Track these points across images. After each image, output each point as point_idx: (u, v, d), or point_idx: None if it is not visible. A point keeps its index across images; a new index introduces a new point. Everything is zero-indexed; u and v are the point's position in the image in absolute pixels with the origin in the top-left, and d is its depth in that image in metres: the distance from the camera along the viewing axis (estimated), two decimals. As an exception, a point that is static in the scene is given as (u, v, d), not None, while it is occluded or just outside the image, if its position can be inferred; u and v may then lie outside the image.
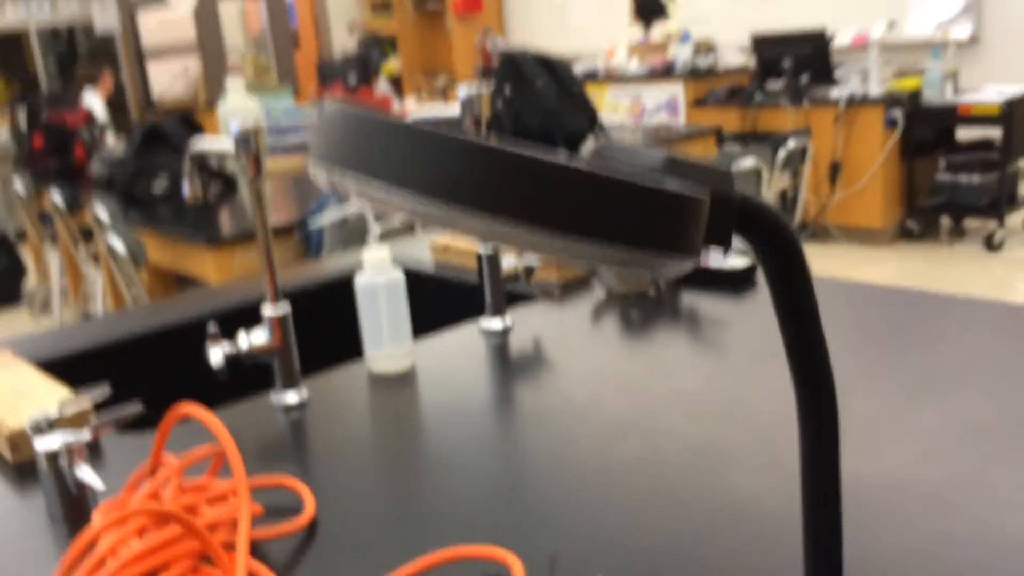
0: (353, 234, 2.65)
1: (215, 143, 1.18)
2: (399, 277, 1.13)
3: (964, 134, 5.14)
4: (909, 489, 0.75)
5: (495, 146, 0.31)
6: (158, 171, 3.40)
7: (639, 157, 0.38)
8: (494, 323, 1.26)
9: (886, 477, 0.77)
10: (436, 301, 1.60)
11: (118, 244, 2.92)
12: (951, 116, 4.73)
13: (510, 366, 1.13)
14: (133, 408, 0.88)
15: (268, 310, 1.06)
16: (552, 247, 0.31)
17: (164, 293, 3.35)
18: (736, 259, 1.37)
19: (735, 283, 1.34)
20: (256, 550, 0.75)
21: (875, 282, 1.29)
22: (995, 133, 4.72)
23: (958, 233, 5.02)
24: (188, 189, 1.24)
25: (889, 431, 0.85)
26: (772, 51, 5.18)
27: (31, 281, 5.45)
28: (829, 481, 0.50)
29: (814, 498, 0.51)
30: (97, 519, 0.76)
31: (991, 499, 0.73)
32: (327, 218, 1.52)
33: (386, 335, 1.13)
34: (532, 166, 0.31)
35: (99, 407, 0.99)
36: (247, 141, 1.04)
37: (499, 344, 1.20)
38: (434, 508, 0.80)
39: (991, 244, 4.61)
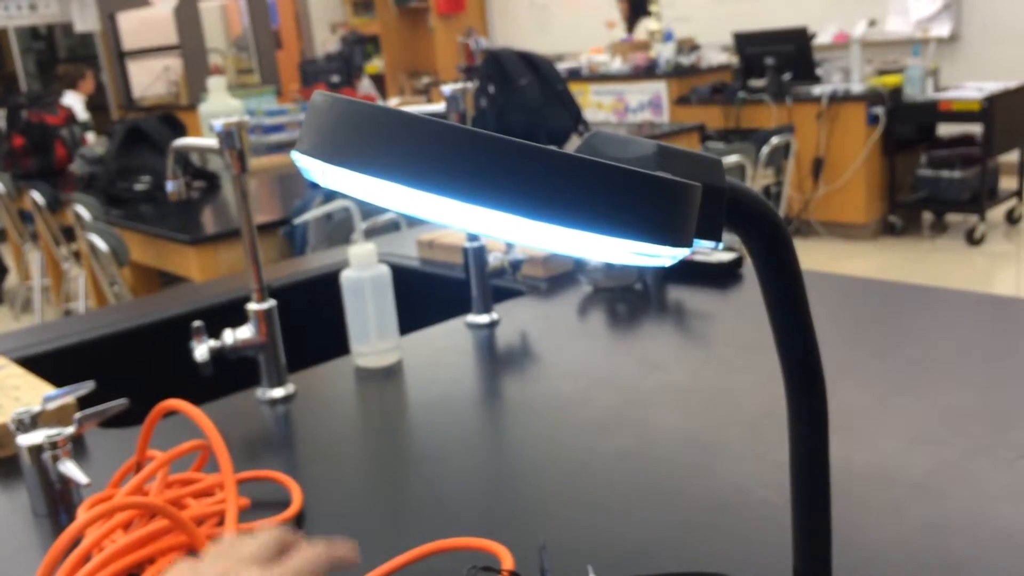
0: (338, 231, 2.64)
1: (200, 140, 1.17)
2: (385, 271, 1.13)
3: (945, 130, 5.17)
4: (897, 478, 0.76)
5: (487, 134, 0.30)
6: (140, 170, 3.38)
7: (629, 147, 0.37)
8: (481, 317, 1.26)
9: (874, 466, 0.78)
10: (422, 297, 1.59)
11: (100, 242, 2.90)
12: (932, 112, 4.75)
13: (497, 360, 1.13)
14: (118, 404, 0.87)
15: (254, 304, 1.06)
16: (544, 236, 0.31)
17: (147, 292, 3.32)
18: (721, 252, 1.37)
19: (720, 276, 1.34)
20: (243, 544, 0.75)
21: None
22: (976, 129, 4.75)
23: (940, 228, 5.05)
24: (172, 186, 1.23)
25: (876, 420, 0.86)
26: (754, 49, 5.20)
27: (12, 280, 5.40)
28: (818, 468, 0.50)
29: (803, 486, 0.51)
30: (82, 513, 0.75)
31: (979, 489, 0.73)
32: (312, 214, 1.51)
33: (372, 330, 1.13)
34: (524, 154, 0.31)
35: (84, 403, 0.98)
36: (231, 137, 1.04)
37: (486, 338, 1.20)
38: (422, 502, 0.80)
39: (972, 238, 4.65)
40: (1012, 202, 4.97)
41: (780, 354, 0.48)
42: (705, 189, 0.36)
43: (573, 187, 0.30)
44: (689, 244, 0.33)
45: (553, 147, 0.31)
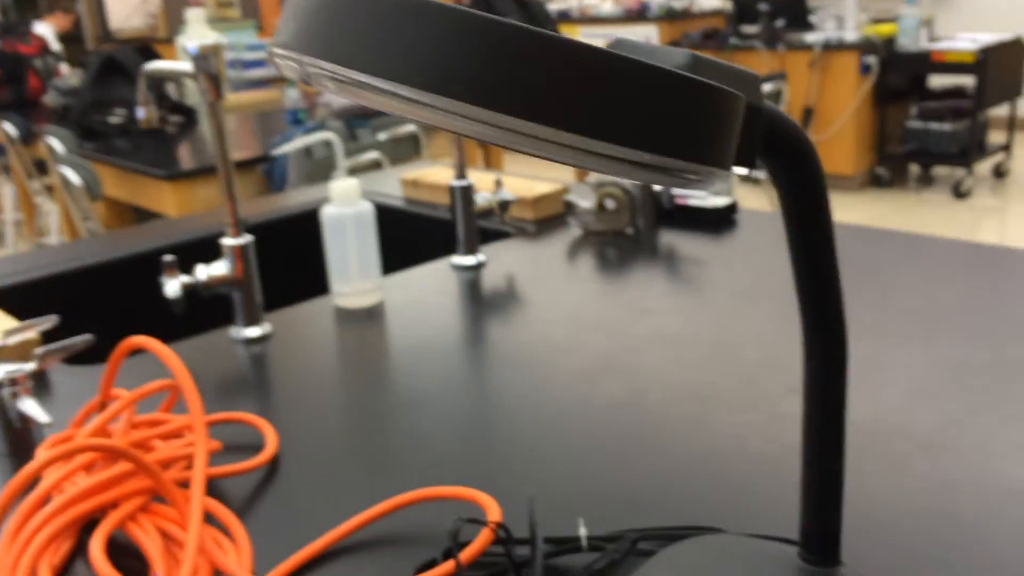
0: (318, 169, 2.57)
1: (173, 64, 1.10)
2: (368, 208, 1.08)
3: (937, 82, 5.12)
4: (900, 433, 0.72)
5: (502, 21, 0.25)
6: (115, 102, 3.28)
7: (658, 55, 0.32)
8: (466, 259, 1.21)
9: (878, 420, 0.74)
10: (405, 237, 1.54)
11: (73, 176, 2.82)
12: (925, 63, 4.70)
13: (483, 303, 1.08)
14: (82, 339, 0.82)
15: (229, 239, 1.01)
16: (566, 150, 0.26)
17: (121, 227, 3.25)
18: (715, 197, 1.32)
19: (715, 222, 1.30)
20: (213, 488, 0.71)
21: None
22: (968, 81, 4.70)
23: (926, 180, 5.02)
24: (143, 112, 1.16)
25: (878, 373, 0.82)
26: (748, -6, 5.10)
27: (-16, 215, 5.29)
28: (834, 421, 0.46)
29: (817, 439, 0.47)
30: (41, 454, 0.71)
31: (984, 444, 0.70)
32: (292, 145, 1.45)
33: (354, 269, 1.08)
34: (547, 46, 0.26)
35: (47, 338, 0.93)
36: (207, 61, 0.98)
37: (471, 280, 1.16)
38: (403, 449, 0.76)
39: (959, 192, 4.62)
40: (1000, 156, 4.95)
41: (801, 299, 0.44)
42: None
43: (603, 88, 0.25)
44: (728, 165, 0.29)
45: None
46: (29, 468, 0.60)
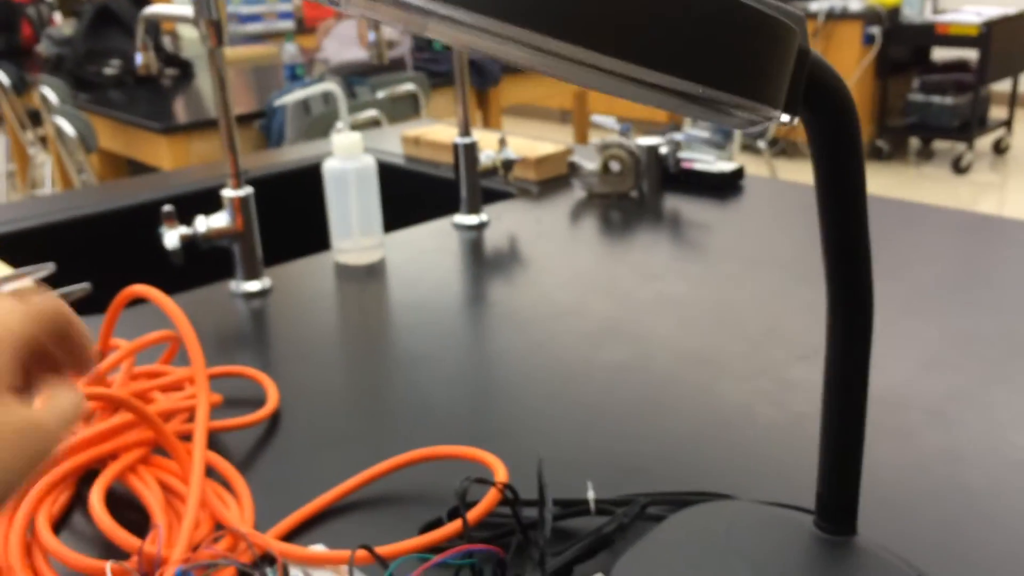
0: (316, 126, 2.54)
1: (173, 7, 1.08)
2: (370, 163, 1.06)
3: (940, 55, 5.08)
4: (911, 403, 0.72)
5: None
6: (110, 52, 3.23)
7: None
8: (469, 218, 1.19)
9: (888, 390, 0.74)
10: (406, 196, 1.52)
11: (67, 127, 2.78)
12: (928, 35, 4.65)
13: (486, 263, 1.07)
14: (80, 287, 0.81)
15: (229, 191, 0.99)
16: (620, 80, 0.24)
17: (116, 180, 3.22)
18: (722, 162, 1.31)
19: (721, 187, 1.29)
20: (214, 442, 0.70)
21: (865, 191, 1.24)
22: (971, 55, 4.66)
23: (926, 154, 5.00)
24: (140, 58, 1.14)
25: (887, 343, 0.81)
26: (753, -41, 5.04)
27: (-24, 165, 5.23)
28: (858, 374, 0.45)
29: (838, 407, 0.46)
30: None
31: (994, 416, 0.69)
32: (292, 97, 1.42)
33: (355, 225, 1.06)
34: None
35: (44, 287, 0.92)
36: (207, 6, 0.95)
37: (474, 240, 1.14)
38: (405, 407, 0.75)
39: (959, 167, 4.61)
40: (1001, 132, 4.92)
41: (828, 260, 0.43)
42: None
43: (662, 13, 0.24)
44: (779, 105, 0.27)
45: None
46: (27, 417, 0.59)
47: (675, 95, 0.25)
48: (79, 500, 0.63)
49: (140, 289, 0.69)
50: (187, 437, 0.67)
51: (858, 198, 0.39)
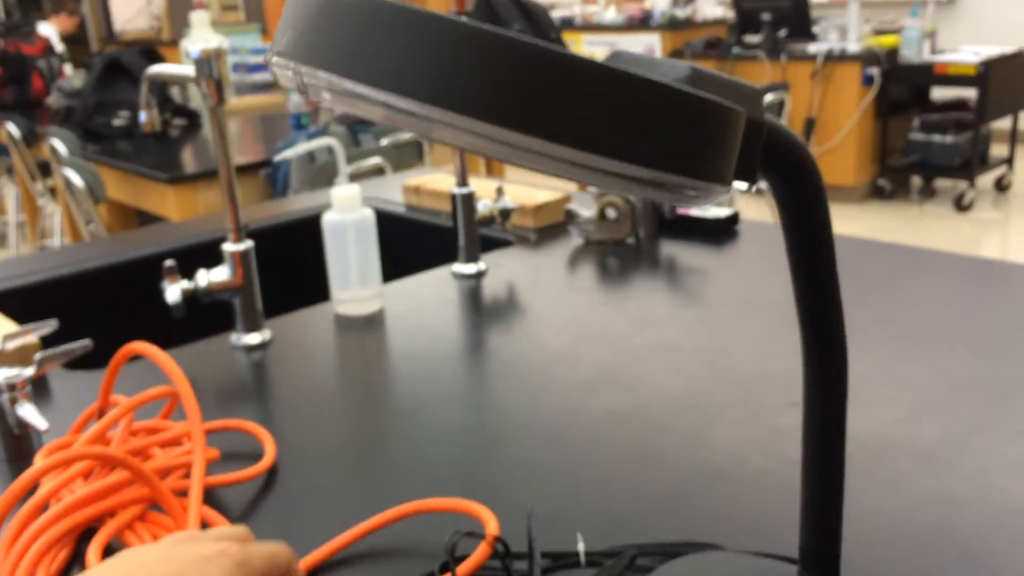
0: (321, 174, 2.57)
1: (176, 67, 1.10)
2: (369, 215, 1.08)
3: (939, 94, 5.12)
4: (901, 448, 0.72)
5: (498, 32, 0.25)
6: (118, 105, 3.29)
7: (659, 68, 0.32)
8: (467, 267, 1.21)
9: (877, 435, 0.74)
10: (407, 244, 1.54)
11: (76, 178, 2.82)
12: (927, 75, 4.70)
13: (483, 312, 1.08)
14: (81, 345, 0.82)
15: (230, 245, 1.01)
16: (566, 164, 0.26)
17: (124, 230, 3.25)
18: (717, 208, 1.32)
19: (716, 233, 1.30)
20: (211, 497, 0.71)
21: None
22: (970, 94, 4.70)
23: (928, 193, 5.02)
24: (144, 116, 1.16)
25: (878, 387, 0.82)
26: (751, 3, 5.11)
27: (-13, 216, 5.29)
28: (833, 442, 0.46)
29: (816, 462, 0.47)
30: (39, 460, 0.71)
31: (986, 462, 0.70)
32: (294, 151, 1.45)
33: (354, 276, 1.08)
34: (544, 59, 0.25)
35: (47, 343, 0.93)
36: (209, 65, 0.98)
37: (472, 288, 1.16)
38: (401, 459, 0.76)
39: (961, 205, 4.62)
40: (1002, 169, 4.95)
41: (800, 314, 0.44)
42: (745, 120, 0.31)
43: (602, 102, 0.25)
44: (728, 182, 0.29)
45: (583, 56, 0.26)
46: (27, 475, 0.60)
47: (618, 178, 0.26)
48: (78, 558, 0.64)
49: (139, 346, 0.71)
50: (184, 493, 0.68)
51: (824, 252, 0.41)
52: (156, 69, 1.09)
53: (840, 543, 0.49)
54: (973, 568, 0.58)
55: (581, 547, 0.58)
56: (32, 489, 0.70)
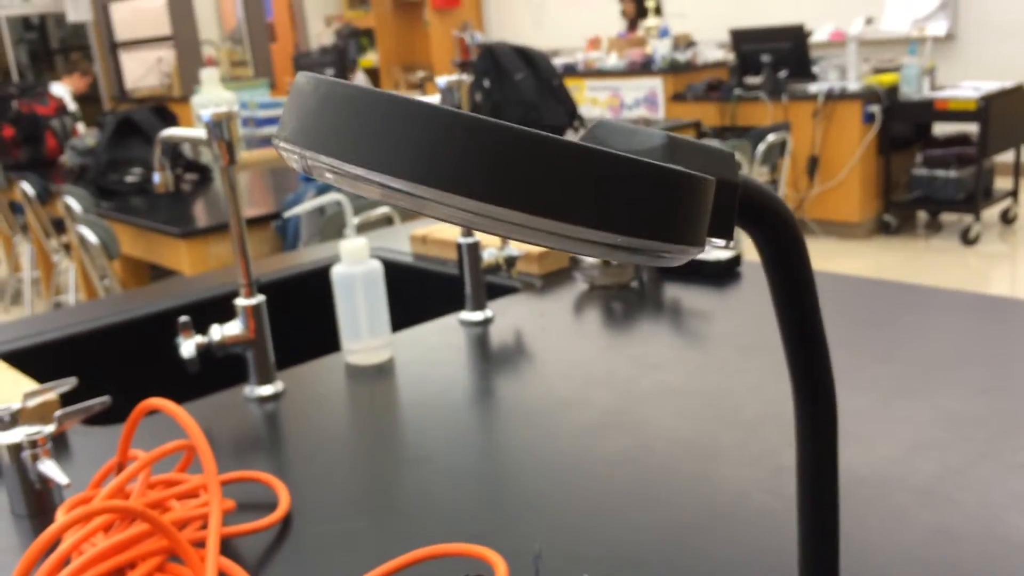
0: (331, 225, 2.61)
1: (187, 131, 1.14)
2: (377, 267, 1.11)
3: (941, 129, 5.16)
4: (901, 484, 0.74)
5: (484, 119, 0.28)
6: (131, 162, 3.35)
7: (637, 137, 0.35)
8: (474, 315, 1.23)
9: (877, 471, 0.76)
10: (415, 293, 1.57)
11: (90, 235, 2.87)
12: (928, 111, 4.74)
13: (491, 358, 1.10)
14: (100, 401, 0.85)
15: (242, 300, 1.03)
16: (545, 234, 0.29)
17: (138, 285, 3.29)
18: (720, 250, 1.35)
19: (719, 275, 1.32)
20: (227, 548, 0.73)
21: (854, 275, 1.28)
22: (971, 128, 4.74)
23: (934, 227, 5.04)
24: (159, 177, 1.20)
25: (879, 424, 0.84)
26: (751, 46, 5.18)
27: (2, 272, 5.36)
28: (826, 480, 0.48)
29: (810, 499, 0.49)
30: (61, 515, 0.73)
31: (986, 496, 0.71)
32: (303, 208, 1.49)
33: (364, 326, 1.11)
34: (523, 142, 0.29)
35: (66, 400, 0.96)
36: (220, 128, 1.01)
37: (480, 336, 1.18)
38: (413, 505, 0.78)
39: (967, 238, 4.64)
40: (1007, 202, 4.97)
41: (789, 361, 0.46)
42: (718, 184, 0.34)
43: (575, 176, 0.28)
44: (701, 243, 0.31)
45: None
46: (49, 531, 0.62)
47: (594, 245, 0.29)
48: (99, 609, 0.66)
49: (156, 402, 0.73)
50: (202, 544, 0.70)
51: (806, 299, 0.43)
52: (169, 132, 1.12)
53: (837, 578, 0.51)
54: (973, 601, 0.59)
55: (588, 588, 0.60)
56: (55, 544, 0.72)
